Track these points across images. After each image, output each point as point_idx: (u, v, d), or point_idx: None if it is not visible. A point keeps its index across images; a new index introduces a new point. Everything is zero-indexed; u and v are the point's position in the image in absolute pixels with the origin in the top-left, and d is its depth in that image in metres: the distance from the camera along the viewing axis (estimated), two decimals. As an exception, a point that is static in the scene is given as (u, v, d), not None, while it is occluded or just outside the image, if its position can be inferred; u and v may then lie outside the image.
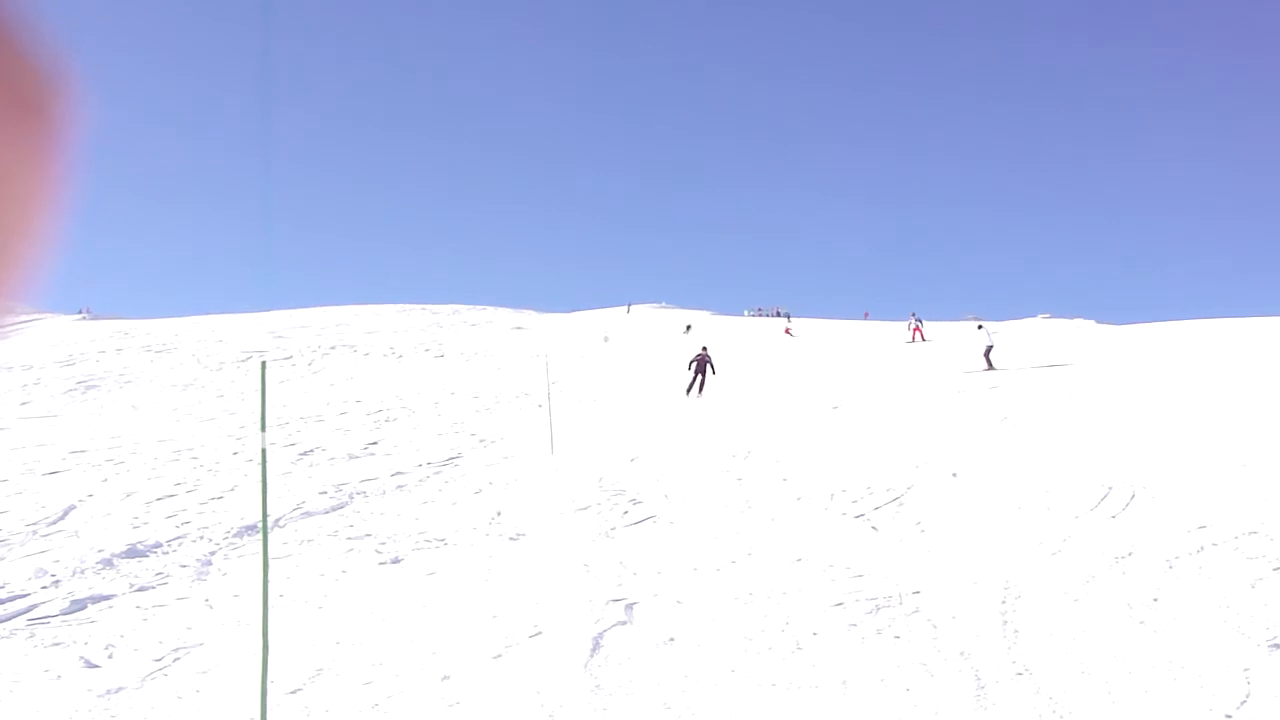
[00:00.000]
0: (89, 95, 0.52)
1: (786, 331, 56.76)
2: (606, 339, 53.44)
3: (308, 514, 12.00)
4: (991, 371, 27.51)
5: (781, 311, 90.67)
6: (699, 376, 26.65)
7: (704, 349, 27.76)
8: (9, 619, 7.85)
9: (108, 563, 9.63)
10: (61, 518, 11.80)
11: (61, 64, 0.51)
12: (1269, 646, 6.32)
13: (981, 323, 29.33)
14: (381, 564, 9.64)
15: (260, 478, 5.98)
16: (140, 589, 8.82)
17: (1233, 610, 7.07)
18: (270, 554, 8.28)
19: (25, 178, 0.49)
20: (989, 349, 28.44)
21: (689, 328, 54.53)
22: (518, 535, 10.76)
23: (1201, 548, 8.78)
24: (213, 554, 10.10)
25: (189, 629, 7.65)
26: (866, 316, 73.03)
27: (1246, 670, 5.94)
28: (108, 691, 6.32)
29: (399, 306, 78.11)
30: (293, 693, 6.22)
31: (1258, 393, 19.99)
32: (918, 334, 43.48)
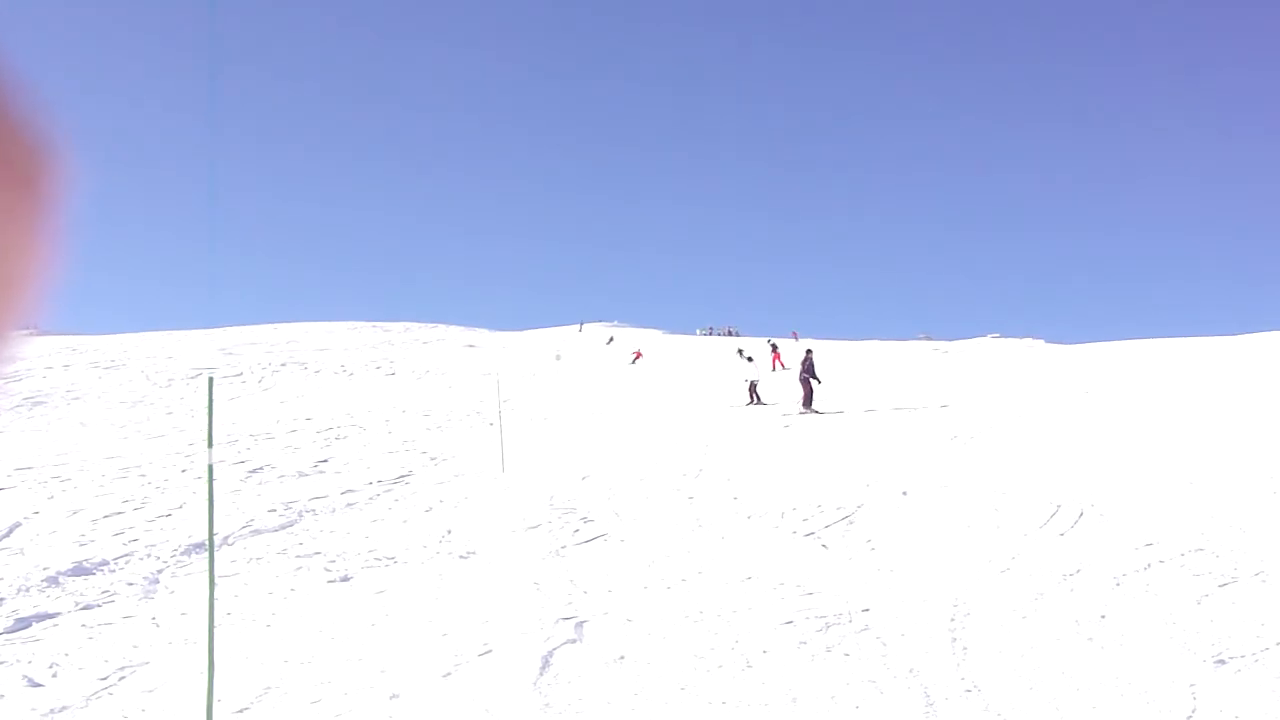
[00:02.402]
0: (79, 163, 0.51)
1: (637, 355, 54.12)
2: (559, 357, 53.45)
3: (257, 532, 11.88)
4: (753, 405, 27.88)
5: (733, 331, 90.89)
6: (807, 387, 24.94)
7: (809, 352, 26.30)
8: (-52, 638, 7.71)
9: (53, 581, 9.48)
10: (6, 535, 11.61)
11: (52, 135, 0.50)
12: (1214, 662, 6.41)
13: (751, 356, 30.17)
14: (331, 582, 9.56)
15: (207, 495, 5.92)
16: (86, 607, 8.70)
17: (1179, 626, 7.17)
18: (218, 572, 8.20)
19: (14, 253, 0.49)
20: (754, 384, 28.87)
21: (611, 339, 52.94)
22: (468, 553, 10.71)
23: (1149, 565, 8.90)
24: (160, 572, 9.97)
25: (135, 647, 7.55)
26: (795, 337, 72.86)
27: (1192, 686, 6.03)
28: (51, 711, 6.22)
29: (350, 324, 77.73)
30: (240, 711, 6.15)
31: (1205, 411, 20.32)
32: (777, 361, 43.91)
